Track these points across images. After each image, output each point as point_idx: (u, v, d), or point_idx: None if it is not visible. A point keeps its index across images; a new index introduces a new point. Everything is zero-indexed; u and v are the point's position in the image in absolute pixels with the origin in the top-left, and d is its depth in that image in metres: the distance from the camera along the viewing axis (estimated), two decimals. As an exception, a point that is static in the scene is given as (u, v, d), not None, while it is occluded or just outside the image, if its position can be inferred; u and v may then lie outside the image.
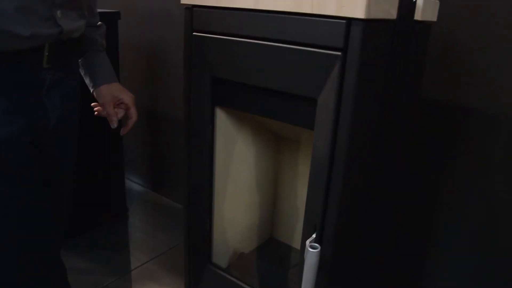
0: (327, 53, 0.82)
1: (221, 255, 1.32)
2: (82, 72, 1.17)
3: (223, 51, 0.99)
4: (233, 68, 0.98)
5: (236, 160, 1.26)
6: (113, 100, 1.13)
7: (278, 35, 0.88)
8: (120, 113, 1.16)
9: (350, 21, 0.78)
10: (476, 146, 1.28)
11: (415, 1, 0.97)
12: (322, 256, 0.92)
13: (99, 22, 1.21)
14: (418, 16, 0.98)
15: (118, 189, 2.11)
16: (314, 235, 0.93)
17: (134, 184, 2.45)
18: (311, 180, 0.91)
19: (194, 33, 1.04)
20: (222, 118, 1.14)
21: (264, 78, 0.93)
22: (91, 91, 1.14)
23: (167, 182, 2.30)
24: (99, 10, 1.82)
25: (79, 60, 1.14)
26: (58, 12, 0.94)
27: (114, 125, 1.14)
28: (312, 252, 0.89)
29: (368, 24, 0.78)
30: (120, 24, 1.90)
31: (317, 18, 0.82)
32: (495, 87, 1.21)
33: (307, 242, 0.92)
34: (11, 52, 0.88)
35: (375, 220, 1.07)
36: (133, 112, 1.16)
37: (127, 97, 1.14)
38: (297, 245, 1.42)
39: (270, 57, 0.91)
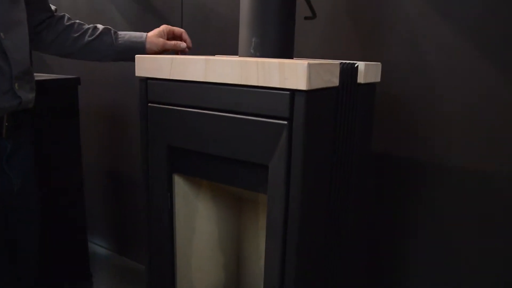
0: (274, 122, 0.86)
1: (186, 320, 1.30)
2: (119, 50, 1.26)
3: (178, 121, 1.02)
4: (188, 137, 1.01)
5: (198, 223, 1.26)
6: (163, 35, 1.26)
7: (228, 106, 0.92)
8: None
9: (293, 92, 0.83)
10: (424, 195, 1.33)
11: (357, 67, 1.03)
12: (283, 320, 0.93)
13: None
14: (361, 79, 1.05)
15: (81, 254, 2.06)
16: (274, 299, 0.94)
17: (98, 247, 2.40)
18: (267, 244, 0.93)
19: (149, 104, 1.07)
20: (180, 184, 1.16)
21: (217, 146, 0.97)
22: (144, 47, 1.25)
23: (132, 244, 2.27)
24: (59, 76, 1.87)
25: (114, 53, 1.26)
26: (16, 84, 0.99)
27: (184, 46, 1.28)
28: (272, 317, 0.90)
29: (310, 94, 0.83)
30: (80, 89, 1.92)
31: (263, 90, 0.87)
32: (441, 140, 1.28)
33: (267, 306, 0.93)
34: None
35: (335, 280, 1.09)
36: (176, 29, 1.29)
37: (164, 27, 1.26)
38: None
39: (222, 126, 0.94)
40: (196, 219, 1.26)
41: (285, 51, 1.08)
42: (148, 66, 1.04)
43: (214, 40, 1.68)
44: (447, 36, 1.23)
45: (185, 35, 1.28)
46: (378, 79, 1.15)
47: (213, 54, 1.44)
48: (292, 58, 1.11)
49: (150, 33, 1.26)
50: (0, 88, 0.98)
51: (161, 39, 1.23)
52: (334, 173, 1.00)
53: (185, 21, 1.79)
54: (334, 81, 0.92)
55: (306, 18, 1.10)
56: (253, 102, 0.88)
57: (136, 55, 1.07)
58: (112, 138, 2.20)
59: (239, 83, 0.89)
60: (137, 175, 2.13)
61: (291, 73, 0.82)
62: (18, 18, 1.09)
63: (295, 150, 0.86)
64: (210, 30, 1.70)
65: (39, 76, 1.96)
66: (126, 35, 1.26)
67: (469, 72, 1.21)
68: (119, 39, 1.25)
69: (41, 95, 1.78)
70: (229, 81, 0.91)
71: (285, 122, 0.85)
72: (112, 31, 1.26)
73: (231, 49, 1.48)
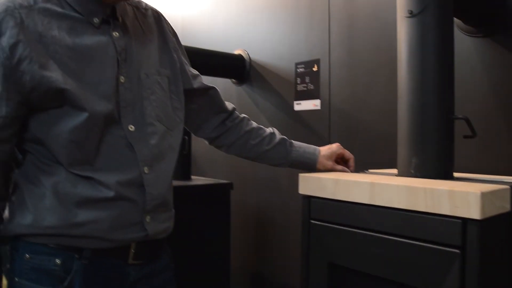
0: (445, 250, 0.86)
1: None
2: (292, 161, 1.31)
3: (340, 240, 1.06)
4: (350, 256, 1.04)
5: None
6: (333, 157, 1.30)
7: (394, 229, 0.94)
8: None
9: (465, 220, 0.83)
10: None
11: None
12: None
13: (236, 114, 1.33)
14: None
15: None
16: None
17: None
18: None
19: (311, 221, 1.13)
20: (338, 299, 1.17)
21: (382, 269, 0.98)
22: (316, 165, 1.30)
23: None
24: (213, 181, 2.02)
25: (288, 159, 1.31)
26: (147, 218, 1.00)
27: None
28: None
29: (483, 223, 0.82)
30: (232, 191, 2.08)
31: (432, 217, 0.88)
32: None
33: None
34: (98, 250, 0.95)
35: None
36: (347, 154, 1.33)
37: (336, 148, 1.31)
38: None
39: (386, 249, 0.96)
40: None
41: (446, 171, 1.08)
42: (312, 185, 1.12)
43: (361, 151, 1.73)
44: None
45: (352, 162, 1.32)
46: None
47: (361, 166, 1.48)
48: (452, 176, 1.11)
49: (323, 151, 1.30)
50: (129, 219, 0.98)
51: (330, 163, 1.28)
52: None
53: (332, 130, 1.89)
54: (506, 206, 0.90)
55: (465, 137, 1.11)
56: (421, 228, 0.90)
57: (300, 174, 1.16)
58: (260, 240, 2.29)
59: (406, 208, 0.92)
60: (284, 281, 2.15)
61: (463, 202, 0.83)
62: (171, 145, 1.07)
63: (468, 279, 0.84)
64: (357, 141, 1.76)
65: (196, 179, 2.18)
66: (301, 148, 1.31)
67: None
68: (294, 151, 1.31)
69: (195, 200, 1.95)
70: (395, 206, 0.94)
71: (457, 251, 0.84)
72: (287, 143, 1.32)
73: (380, 162, 1.51)
